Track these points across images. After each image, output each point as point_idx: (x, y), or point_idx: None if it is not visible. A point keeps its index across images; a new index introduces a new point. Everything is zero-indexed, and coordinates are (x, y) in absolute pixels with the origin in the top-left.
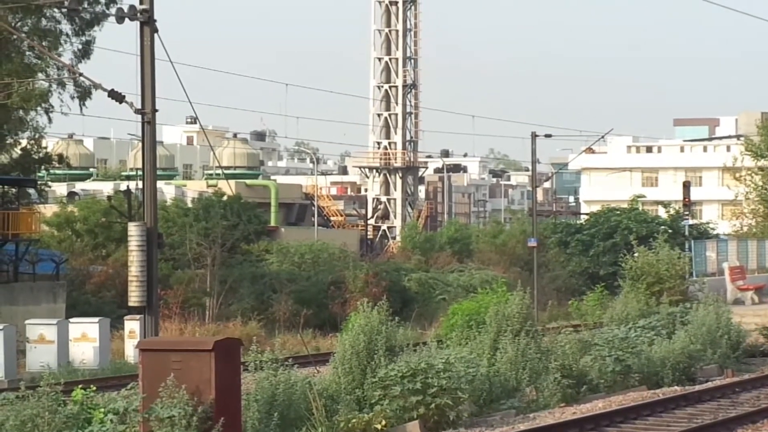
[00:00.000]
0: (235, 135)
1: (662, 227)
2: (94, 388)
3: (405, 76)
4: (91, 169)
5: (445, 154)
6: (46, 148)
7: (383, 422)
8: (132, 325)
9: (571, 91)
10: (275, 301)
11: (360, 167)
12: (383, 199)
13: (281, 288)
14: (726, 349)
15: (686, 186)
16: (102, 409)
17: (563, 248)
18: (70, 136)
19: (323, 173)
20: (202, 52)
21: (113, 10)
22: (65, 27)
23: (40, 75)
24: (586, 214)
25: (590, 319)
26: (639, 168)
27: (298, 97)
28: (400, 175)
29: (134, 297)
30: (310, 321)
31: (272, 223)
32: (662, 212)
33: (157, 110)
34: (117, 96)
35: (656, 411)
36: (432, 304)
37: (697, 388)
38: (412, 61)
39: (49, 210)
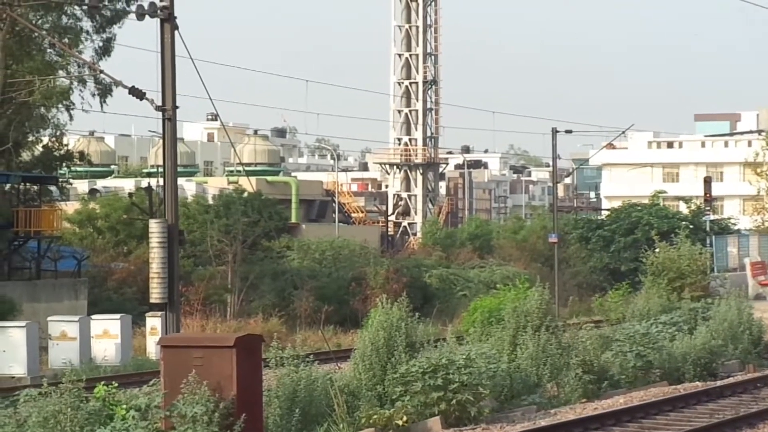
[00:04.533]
0: (255, 132)
1: (683, 223)
2: (116, 385)
3: (425, 72)
4: (112, 167)
5: (466, 150)
6: (67, 145)
7: (404, 418)
8: (153, 322)
9: (591, 87)
10: (296, 298)
11: (381, 163)
12: (404, 195)
13: (302, 284)
14: (747, 345)
15: (707, 181)
16: (124, 406)
17: (584, 244)
18: (91, 133)
19: (344, 170)
20: (223, 49)
21: (134, 7)
22: (86, 24)
23: (61, 72)
24: (607, 209)
25: (614, 315)
26: (660, 163)
27: (319, 93)
28: (421, 171)
29: (155, 294)
30: (332, 317)
31: (293, 220)
32: (683, 208)
33: (177, 107)
34: (138, 93)
35: (677, 406)
36: (453, 300)
37: (719, 383)
38: (433, 57)
39: (70, 207)
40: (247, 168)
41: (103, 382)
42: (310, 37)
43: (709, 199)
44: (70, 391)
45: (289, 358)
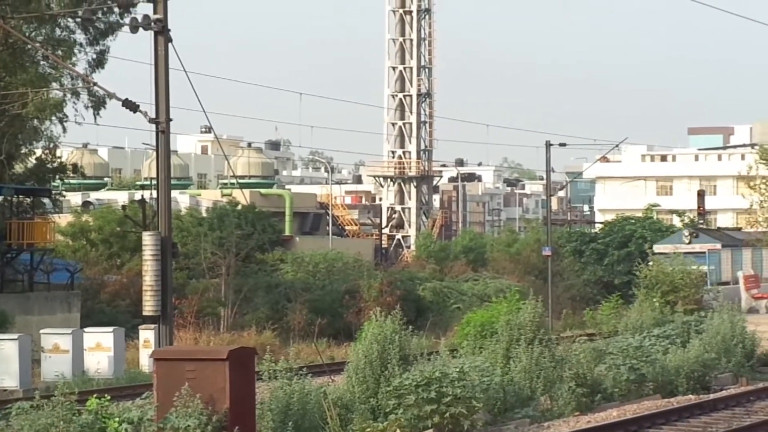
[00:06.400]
0: (249, 144)
1: None
2: (109, 398)
3: (419, 85)
4: (105, 179)
5: (460, 163)
6: (60, 157)
7: (398, 431)
8: (146, 335)
9: (585, 100)
10: (290, 311)
11: (374, 176)
12: (398, 208)
13: (296, 297)
14: (740, 358)
15: (701, 195)
16: (117, 419)
17: (578, 257)
18: (85, 145)
19: (338, 182)
20: (217, 62)
21: (127, 20)
22: (79, 37)
23: (55, 85)
24: (601, 223)
25: (605, 328)
26: (653, 177)
27: (313, 106)
28: (415, 184)
29: (149, 306)
30: (325, 330)
31: (287, 233)
32: (677, 221)
33: (171, 119)
34: (131, 105)
35: (670, 419)
36: (446, 313)
37: (712, 396)
38: (427, 70)
39: (63, 220)
40: (240, 181)
41: (95, 395)
42: (304, 50)
43: (702, 212)
44: (62, 404)
45: (283, 371)
